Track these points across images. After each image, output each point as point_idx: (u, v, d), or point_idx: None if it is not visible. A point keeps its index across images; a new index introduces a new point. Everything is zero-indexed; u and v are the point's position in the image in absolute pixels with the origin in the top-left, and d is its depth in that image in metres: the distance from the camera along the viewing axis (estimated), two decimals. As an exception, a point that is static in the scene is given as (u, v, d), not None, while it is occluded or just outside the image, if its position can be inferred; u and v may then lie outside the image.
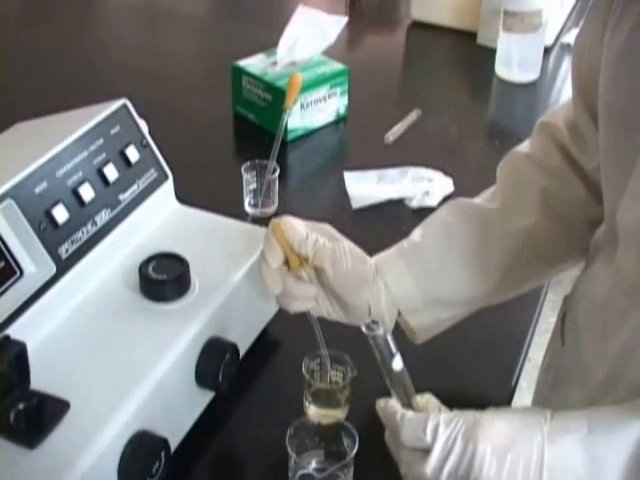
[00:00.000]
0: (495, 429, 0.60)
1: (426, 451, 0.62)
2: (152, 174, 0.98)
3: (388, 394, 0.71)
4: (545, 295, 1.11)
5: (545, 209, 0.85)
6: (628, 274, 0.69)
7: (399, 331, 0.87)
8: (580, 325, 0.79)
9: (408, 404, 0.68)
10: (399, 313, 0.86)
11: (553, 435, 0.59)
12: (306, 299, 0.83)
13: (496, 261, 0.85)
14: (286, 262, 0.81)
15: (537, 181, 0.86)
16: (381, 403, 0.68)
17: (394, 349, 0.69)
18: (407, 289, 0.85)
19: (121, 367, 0.80)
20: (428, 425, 0.62)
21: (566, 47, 1.78)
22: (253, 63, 1.48)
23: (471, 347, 1.02)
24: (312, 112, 1.43)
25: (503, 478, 0.59)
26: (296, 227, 0.80)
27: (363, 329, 0.69)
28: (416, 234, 0.89)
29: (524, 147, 0.91)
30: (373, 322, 0.69)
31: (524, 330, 1.05)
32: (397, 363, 0.69)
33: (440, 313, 0.87)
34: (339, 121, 1.49)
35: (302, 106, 1.41)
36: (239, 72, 1.47)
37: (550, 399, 0.86)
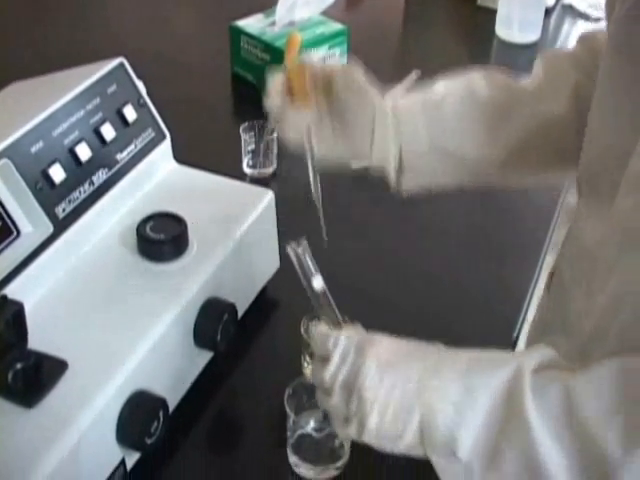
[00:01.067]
0: (384, 347, 0.66)
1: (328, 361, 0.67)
2: (149, 134, 0.97)
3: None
4: (545, 255, 1.11)
5: (577, 104, 0.84)
6: (622, 220, 0.68)
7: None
8: (568, 277, 0.79)
9: (335, 322, 0.72)
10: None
11: (438, 365, 0.63)
12: (303, 124, 0.82)
13: (515, 136, 0.84)
14: (289, 93, 0.82)
15: (574, 76, 0.85)
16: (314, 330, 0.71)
17: (314, 269, 0.72)
18: (418, 145, 0.84)
19: (119, 327, 0.80)
20: (332, 337, 0.67)
21: (567, 8, 1.75)
22: (251, 23, 1.46)
23: (470, 304, 1.02)
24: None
25: (382, 391, 0.63)
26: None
27: (287, 249, 0.72)
28: (440, 88, 0.87)
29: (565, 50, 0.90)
30: (296, 243, 0.73)
31: (524, 289, 1.05)
32: (318, 283, 0.72)
33: (437, 160, 0.86)
34: (338, 82, 1.47)
35: (301, 66, 1.39)
36: (237, 32, 1.45)
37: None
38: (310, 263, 0.72)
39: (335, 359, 0.66)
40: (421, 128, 0.85)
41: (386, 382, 0.63)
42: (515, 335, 0.98)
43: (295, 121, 0.82)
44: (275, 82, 0.83)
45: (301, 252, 0.72)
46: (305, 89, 0.81)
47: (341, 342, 0.66)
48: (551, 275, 0.85)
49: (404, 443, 0.64)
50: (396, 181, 0.88)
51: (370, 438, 0.65)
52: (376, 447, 0.66)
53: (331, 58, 1.43)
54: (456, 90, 0.87)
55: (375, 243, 1.13)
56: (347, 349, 0.66)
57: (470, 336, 0.98)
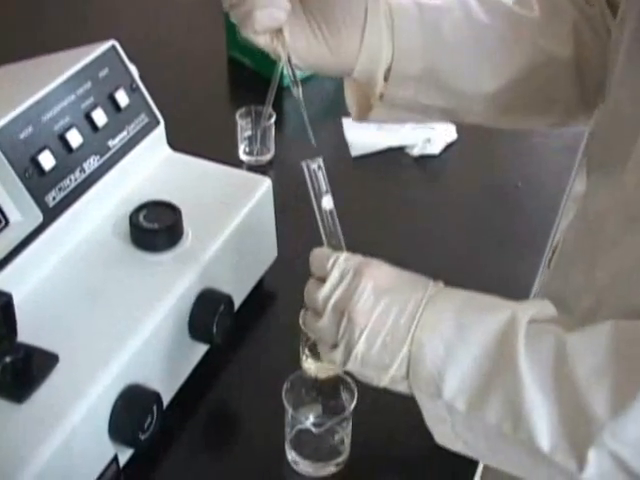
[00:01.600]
0: (383, 271, 0.66)
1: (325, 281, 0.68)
2: (143, 119, 0.97)
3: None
4: (551, 246, 1.10)
5: (575, 46, 0.81)
6: (628, 195, 0.68)
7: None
8: (571, 252, 0.79)
9: (338, 247, 0.72)
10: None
11: (435, 298, 0.64)
12: (274, 5, 0.69)
13: (512, 67, 0.81)
14: None
15: (571, 14, 0.82)
16: (315, 250, 0.71)
17: (326, 187, 0.72)
18: (412, 45, 0.78)
19: (111, 319, 0.80)
20: (331, 257, 0.67)
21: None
22: (248, 5, 1.45)
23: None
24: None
25: (374, 315, 0.63)
26: None
27: (302, 163, 0.72)
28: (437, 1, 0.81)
29: None
30: (311, 159, 0.72)
31: (529, 282, 1.04)
32: (327, 202, 0.72)
33: (424, 94, 0.81)
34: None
35: (299, 50, 1.38)
36: (233, 14, 1.44)
37: None
38: (322, 181, 0.71)
39: (331, 279, 0.66)
40: (417, 42, 0.78)
41: (379, 308, 0.64)
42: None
43: (263, 10, 0.69)
44: None
45: (315, 168, 0.71)
46: None
47: (340, 262, 0.67)
48: (554, 250, 0.85)
49: (388, 375, 0.64)
50: (379, 93, 0.81)
51: (354, 366, 0.65)
52: (358, 377, 0.67)
53: None
54: (452, 7, 0.80)
55: (372, 235, 1.13)
56: (345, 270, 0.66)
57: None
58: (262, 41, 0.74)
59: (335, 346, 0.66)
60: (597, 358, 0.58)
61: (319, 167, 0.72)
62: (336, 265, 0.67)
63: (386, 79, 0.79)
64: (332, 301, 0.66)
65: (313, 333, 0.70)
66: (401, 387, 0.65)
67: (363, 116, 0.84)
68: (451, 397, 0.61)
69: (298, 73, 0.77)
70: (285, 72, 0.77)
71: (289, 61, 0.75)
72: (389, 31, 0.77)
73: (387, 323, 0.63)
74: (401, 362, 0.63)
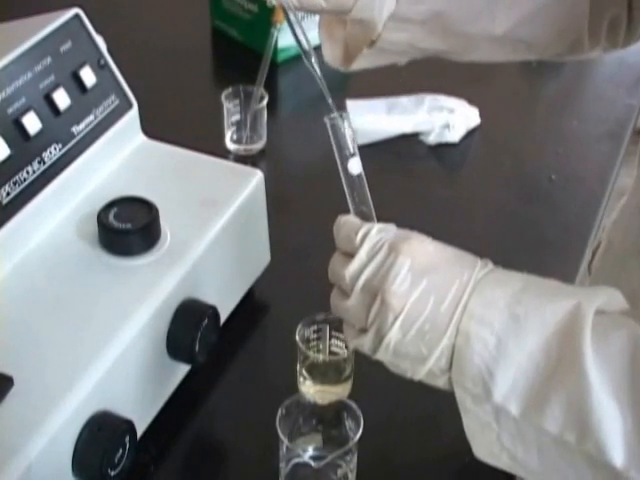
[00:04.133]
0: (423, 248, 0.65)
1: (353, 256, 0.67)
2: (112, 101, 0.97)
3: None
4: (593, 245, 1.10)
5: None
6: None
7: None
8: (618, 252, 0.79)
9: (367, 215, 0.72)
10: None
11: (484, 282, 0.63)
12: None
13: (528, 5, 0.83)
14: None
15: None
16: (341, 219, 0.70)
17: (353, 148, 0.72)
18: None
19: (76, 335, 0.80)
20: (361, 229, 0.67)
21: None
22: (236, -33, 1.45)
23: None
24: (308, 27, 1.40)
25: (411, 299, 0.63)
26: None
27: (324, 119, 0.72)
28: None
29: None
30: (338, 114, 0.72)
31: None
32: (355, 165, 0.72)
33: (423, 34, 0.83)
34: (341, 39, 1.47)
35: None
36: (219, -22, 1.45)
37: None
38: (349, 140, 0.71)
39: (361, 254, 0.66)
40: None
41: (418, 290, 0.63)
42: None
43: None
44: None
45: (340, 124, 0.70)
46: None
47: (372, 235, 0.66)
48: (594, 253, 0.85)
49: (425, 368, 0.64)
50: (340, 61, 0.86)
51: (386, 355, 0.65)
52: (390, 367, 0.66)
53: None
54: None
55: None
56: (377, 244, 0.66)
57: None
58: None
59: (363, 331, 0.66)
60: None
61: (345, 122, 0.71)
62: (367, 238, 0.66)
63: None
64: (362, 280, 0.65)
65: (338, 313, 0.69)
66: (440, 382, 0.64)
67: (345, 64, 0.86)
68: (502, 400, 0.60)
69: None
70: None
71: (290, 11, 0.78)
72: None
73: (426, 308, 0.63)
74: (440, 354, 0.62)
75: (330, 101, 0.76)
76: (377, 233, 0.66)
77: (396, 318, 0.63)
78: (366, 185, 0.72)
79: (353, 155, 0.71)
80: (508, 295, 0.62)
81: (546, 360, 0.60)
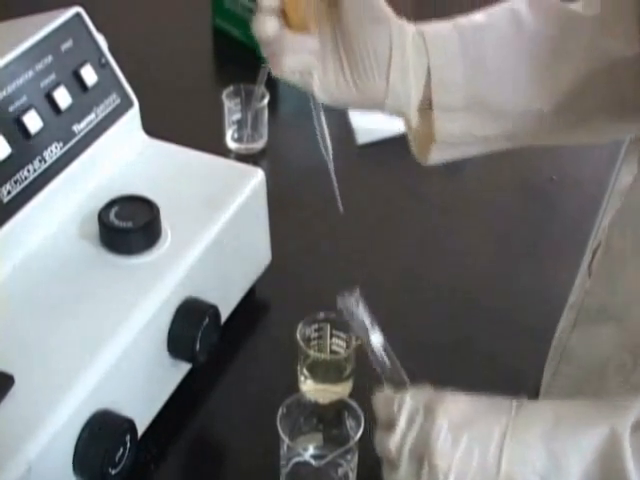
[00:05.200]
0: (457, 405, 0.66)
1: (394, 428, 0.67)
2: (113, 100, 0.97)
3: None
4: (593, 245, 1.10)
5: None
6: None
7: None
8: (619, 250, 0.78)
9: (400, 382, 0.72)
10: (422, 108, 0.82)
11: (518, 422, 0.64)
12: (303, 51, 0.76)
13: (571, 78, 0.81)
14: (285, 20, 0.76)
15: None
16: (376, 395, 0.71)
17: (370, 322, 0.73)
18: (451, 74, 0.80)
19: (77, 334, 0.79)
20: (396, 399, 0.67)
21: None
22: (237, -34, 1.45)
23: (504, 310, 1.02)
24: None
25: (457, 456, 0.63)
26: None
27: (338, 301, 0.73)
28: (478, 17, 0.83)
29: None
30: (349, 294, 0.73)
31: (566, 290, 1.04)
32: (376, 339, 0.73)
33: (475, 125, 0.83)
34: (341, 38, 1.47)
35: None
36: (220, -23, 1.45)
37: (572, 340, 0.86)
38: (365, 316, 0.72)
39: (401, 424, 0.66)
40: (457, 72, 0.80)
41: (461, 447, 0.64)
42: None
43: (292, 56, 0.76)
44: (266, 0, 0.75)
45: (354, 304, 0.72)
46: (302, 11, 0.75)
47: (407, 403, 0.66)
48: (594, 253, 0.85)
49: None
50: (419, 154, 0.86)
51: None
52: None
53: None
54: (498, 20, 0.82)
55: (381, 238, 1.12)
56: (414, 411, 0.66)
57: (505, 345, 0.98)
58: (292, 78, 0.79)
59: None
60: None
61: (357, 301, 0.72)
62: (403, 407, 0.67)
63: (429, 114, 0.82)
64: (406, 449, 0.66)
65: None
66: None
67: (424, 158, 0.87)
68: None
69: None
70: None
71: (317, 108, 0.80)
72: (420, 67, 0.80)
73: (472, 462, 0.63)
74: None
75: (337, 192, 0.80)
76: (411, 400, 0.67)
77: (447, 477, 0.63)
78: (392, 352, 0.73)
79: (373, 328, 0.73)
80: (543, 431, 0.62)
81: None
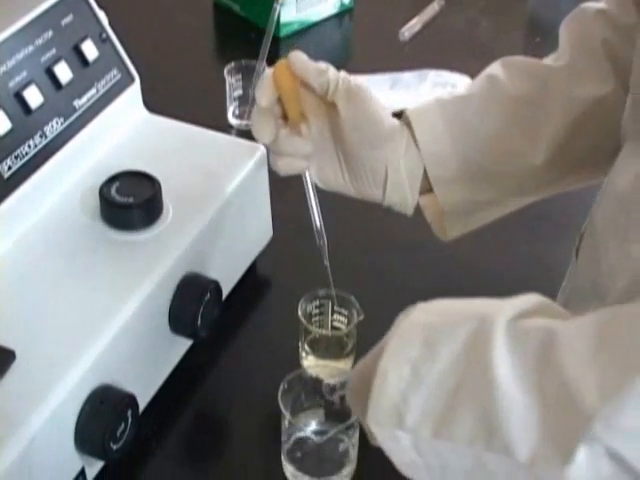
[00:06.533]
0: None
1: None
2: (114, 75, 0.96)
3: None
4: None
5: (617, 74, 0.84)
6: None
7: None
8: (600, 230, 0.79)
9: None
10: (423, 189, 0.86)
11: (404, 321, 0.63)
12: (298, 156, 0.82)
13: (554, 129, 0.84)
14: (284, 116, 0.81)
15: (609, 41, 0.85)
16: None
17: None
18: (440, 147, 0.85)
19: (78, 309, 0.79)
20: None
21: None
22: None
23: (500, 290, 1.01)
24: (311, 1, 1.40)
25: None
26: (309, 61, 0.79)
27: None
28: (459, 90, 0.89)
29: (596, 3, 0.89)
30: (332, 387, 0.78)
31: (563, 271, 1.04)
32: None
33: (475, 190, 0.86)
34: (344, 13, 1.47)
35: (298, -6, 1.39)
36: (221, -48, 1.44)
37: None
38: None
39: None
40: (444, 147, 0.85)
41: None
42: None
43: (286, 160, 0.82)
44: (264, 94, 0.79)
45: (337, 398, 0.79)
46: (300, 108, 0.80)
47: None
48: (581, 237, 0.86)
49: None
50: (438, 231, 0.90)
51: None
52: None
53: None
54: (478, 89, 0.87)
55: (382, 213, 1.12)
56: None
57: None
58: (286, 174, 0.84)
59: None
60: (587, 341, 0.56)
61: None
62: None
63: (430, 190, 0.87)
64: None
65: None
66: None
67: (443, 234, 0.90)
68: (415, 425, 0.59)
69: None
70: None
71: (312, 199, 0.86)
72: (416, 167, 0.85)
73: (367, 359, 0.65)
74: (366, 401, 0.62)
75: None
76: None
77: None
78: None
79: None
80: (425, 325, 0.61)
81: (455, 373, 0.58)
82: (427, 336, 0.60)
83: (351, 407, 0.67)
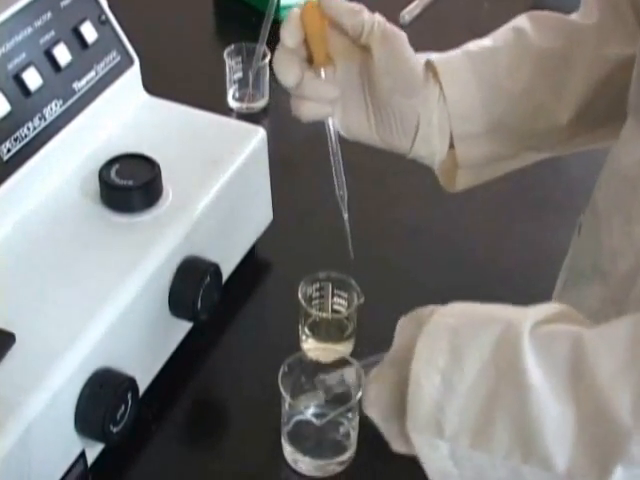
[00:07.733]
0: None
1: None
2: (114, 58, 0.96)
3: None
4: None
5: None
6: None
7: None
8: (603, 209, 0.79)
9: None
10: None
11: (429, 326, 0.62)
12: (323, 102, 0.77)
13: (582, 87, 0.83)
14: (309, 59, 0.77)
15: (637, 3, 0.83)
16: None
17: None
18: (469, 105, 0.82)
19: (78, 292, 0.79)
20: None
21: None
22: None
23: (503, 275, 1.02)
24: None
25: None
26: (343, 0, 0.76)
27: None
28: (485, 42, 0.85)
29: None
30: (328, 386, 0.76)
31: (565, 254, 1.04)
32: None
33: (495, 146, 0.85)
34: (344, -4, 1.46)
35: (298, -24, 1.37)
36: None
37: (563, 299, 0.87)
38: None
39: None
40: (473, 101, 0.82)
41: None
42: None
43: (311, 105, 0.77)
44: (290, 34, 0.75)
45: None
46: (327, 48, 0.76)
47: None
48: (583, 218, 0.86)
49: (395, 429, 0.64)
50: (446, 184, 0.88)
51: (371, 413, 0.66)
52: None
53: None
54: (505, 42, 0.84)
55: (387, 200, 1.12)
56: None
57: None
58: (309, 120, 0.79)
59: None
60: (619, 357, 0.56)
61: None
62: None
63: (452, 145, 0.84)
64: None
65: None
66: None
67: (451, 186, 0.88)
68: (453, 435, 0.59)
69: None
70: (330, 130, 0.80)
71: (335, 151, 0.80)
72: (445, 123, 0.82)
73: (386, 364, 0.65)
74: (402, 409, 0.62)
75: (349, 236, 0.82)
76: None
77: (371, 382, 0.66)
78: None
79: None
80: (449, 330, 0.61)
81: (486, 382, 0.58)
82: (453, 342, 0.60)
83: (372, 418, 0.65)
